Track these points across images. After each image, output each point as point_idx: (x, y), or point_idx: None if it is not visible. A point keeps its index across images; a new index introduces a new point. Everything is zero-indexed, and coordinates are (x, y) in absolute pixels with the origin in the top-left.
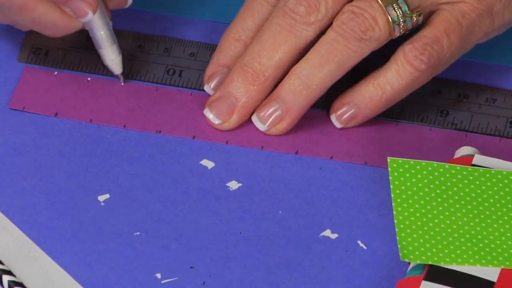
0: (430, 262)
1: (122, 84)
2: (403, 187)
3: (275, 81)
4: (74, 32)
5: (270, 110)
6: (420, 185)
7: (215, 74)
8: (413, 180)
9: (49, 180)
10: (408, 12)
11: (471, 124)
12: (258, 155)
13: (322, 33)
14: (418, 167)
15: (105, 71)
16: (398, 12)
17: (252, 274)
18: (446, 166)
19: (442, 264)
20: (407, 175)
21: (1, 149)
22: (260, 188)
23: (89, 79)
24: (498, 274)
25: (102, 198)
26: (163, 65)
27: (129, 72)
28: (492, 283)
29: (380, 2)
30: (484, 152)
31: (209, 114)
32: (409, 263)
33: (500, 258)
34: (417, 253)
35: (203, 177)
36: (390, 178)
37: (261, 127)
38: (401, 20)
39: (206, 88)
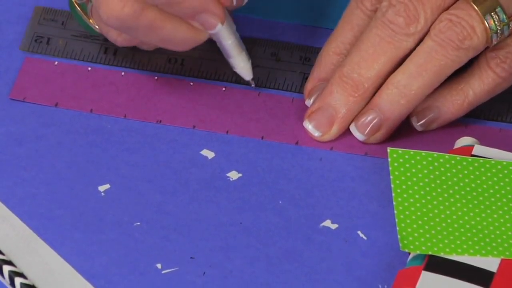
0: (430, 253)
1: (253, 86)
2: (403, 178)
3: (374, 92)
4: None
5: (368, 119)
6: (420, 175)
7: (315, 88)
8: (413, 170)
9: (49, 170)
10: (506, 20)
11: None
12: (259, 145)
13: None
14: (418, 158)
15: (106, 60)
16: (496, 20)
17: (252, 264)
18: (446, 157)
19: (442, 255)
20: (407, 165)
21: (2, 139)
22: (260, 178)
23: (89, 68)
24: (498, 264)
25: (102, 188)
26: (164, 54)
27: (130, 62)
28: (492, 273)
29: (478, 11)
30: (484, 142)
31: (308, 126)
32: (409, 253)
33: (500, 249)
34: (417, 243)
35: (203, 167)
36: (390, 168)
37: (359, 136)
38: (499, 28)
39: (307, 102)
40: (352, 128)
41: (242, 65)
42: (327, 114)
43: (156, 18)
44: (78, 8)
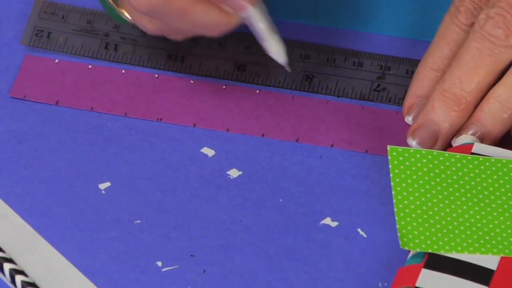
0: (430, 250)
1: (289, 71)
2: (403, 176)
3: (476, 105)
4: (233, 28)
5: (470, 134)
6: (420, 173)
7: (414, 105)
8: (413, 168)
9: (50, 168)
10: None
11: None
12: (259, 143)
13: None
14: (418, 156)
15: (107, 55)
16: None
17: (252, 262)
18: (446, 155)
19: (442, 252)
20: (407, 163)
21: (2, 137)
22: (261, 176)
23: (90, 66)
24: (498, 262)
25: (102, 186)
26: (164, 50)
27: (130, 58)
28: (491, 271)
29: None
30: None
31: (412, 142)
32: (409, 251)
33: (500, 246)
34: (417, 241)
35: (203, 165)
36: (390, 166)
37: None
38: None
39: (406, 119)
40: (455, 142)
41: (275, 48)
42: (431, 130)
43: (187, 2)
44: None
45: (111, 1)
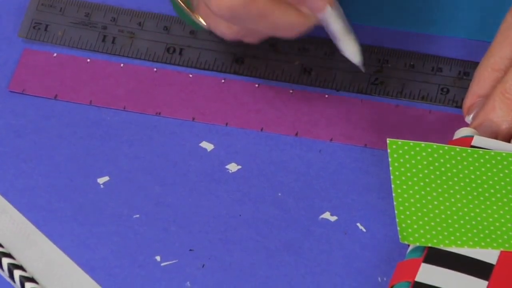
0: (429, 244)
1: (363, 71)
2: (402, 169)
3: None
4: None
5: None
6: (419, 166)
7: (474, 105)
8: (413, 161)
9: (48, 163)
10: None
11: None
12: (258, 137)
13: None
14: (417, 149)
15: (105, 48)
16: None
17: (251, 257)
18: (446, 148)
19: (442, 247)
20: (407, 156)
21: (1, 131)
22: (260, 170)
23: (88, 60)
24: (498, 256)
25: (101, 180)
26: (163, 43)
27: (128, 51)
28: (491, 265)
29: None
30: None
31: None
32: (409, 245)
33: (500, 241)
34: (416, 235)
35: (202, 160)
36: (390, 160)
37: None
38: None
39: (466, 119)
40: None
41: (350, 49)
42: (489, 130)
43: (266, 4)
44: (182, 4)
45: (185, 8)
